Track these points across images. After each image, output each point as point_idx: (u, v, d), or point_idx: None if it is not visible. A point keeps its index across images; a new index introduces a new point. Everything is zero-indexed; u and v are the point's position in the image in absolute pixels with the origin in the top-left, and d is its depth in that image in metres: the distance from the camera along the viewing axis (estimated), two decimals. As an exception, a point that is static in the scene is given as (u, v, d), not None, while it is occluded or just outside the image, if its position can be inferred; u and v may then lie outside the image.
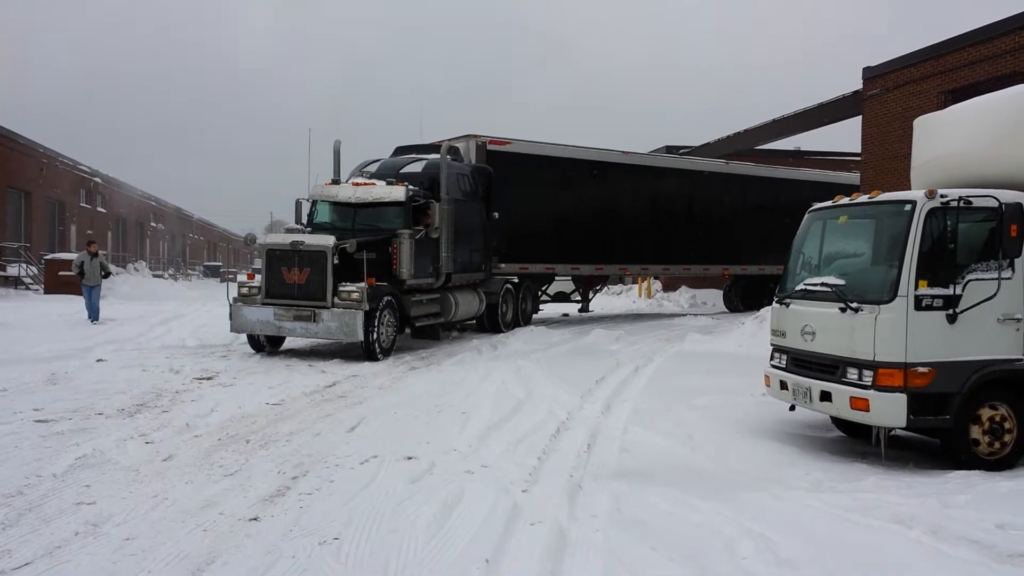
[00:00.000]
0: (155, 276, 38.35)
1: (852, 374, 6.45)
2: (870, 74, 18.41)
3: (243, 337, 13.69)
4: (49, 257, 28.10)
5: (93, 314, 17.23)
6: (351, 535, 4.75)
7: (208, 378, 10.51)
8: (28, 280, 28.40)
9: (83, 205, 39.01)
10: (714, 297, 26.82)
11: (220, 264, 65.54)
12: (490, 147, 17.12)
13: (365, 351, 12.49)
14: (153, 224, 53.57)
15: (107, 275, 18.09)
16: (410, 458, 6.51)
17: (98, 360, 11.80)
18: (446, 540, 4.70)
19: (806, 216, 7.77)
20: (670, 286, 31.68)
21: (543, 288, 20.02)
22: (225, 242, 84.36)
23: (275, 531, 4.81)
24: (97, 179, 40.81)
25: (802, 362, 7.12)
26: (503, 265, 17.32)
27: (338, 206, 14.24)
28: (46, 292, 26.05)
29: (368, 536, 4.74)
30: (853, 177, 21.60)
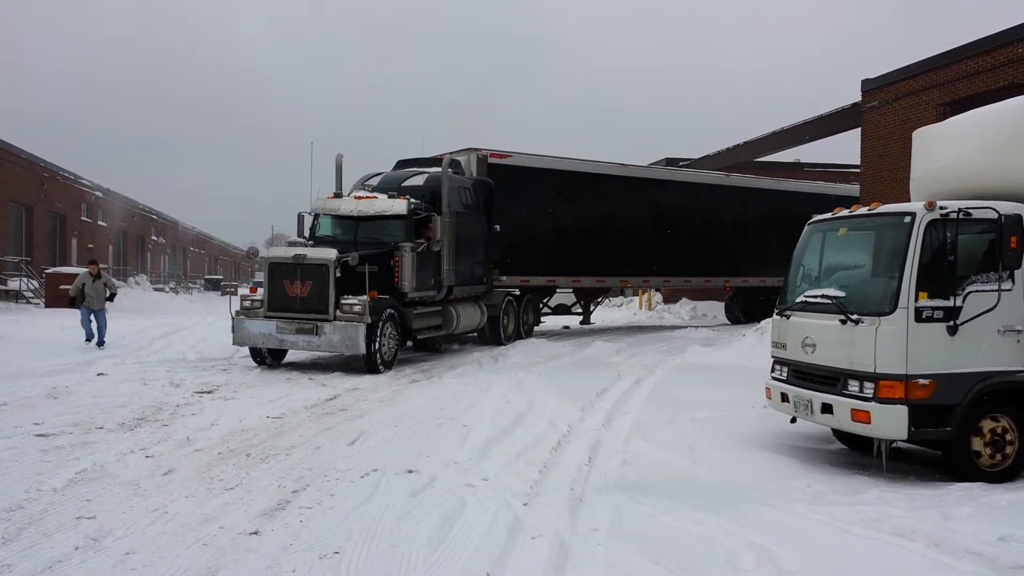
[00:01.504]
0: (156, 290, 38.42)
1: (853, 386, 6.44)
2: (868, 86, 18.48)
3: (244, 350, 13.70)
4: (50, 271, 28.11)
5: (99, 336, 15.67)
6: (351, 549, 4.74)
7: (209, 392, 10.50)
8: (29, 294, 28.42)
9: (84, 219, 39.10)
10: (715, 309, 26.81)
11: (221, 277, 65.58)
12: (491, 160, 17.18)
13: (367, 364, 12.49)
14: (154, 238, 53.66)
15: (111, 297, 16.32)
16: (411, 471, 6.50)
17: (99, 374, 11.80)
18: (447, 554, 4.68)
19: (806, 228, 7.78)
20: (671, 298, 31.67)
21: (544, 300, 20.04)
22: (226, 255, 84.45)
23: (275, 545, 4.80)
24: (98, 193, 40.93)
25: (803, 374, 7.11)
26: (504, 278, 17.34)
27: (340, 219, 14.29)
28: (47, 306, 26.04)
29: (368, 550, 4.73)
30: (853, 189, 21.64)
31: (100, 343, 15.63)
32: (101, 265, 16.89)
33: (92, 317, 15.66)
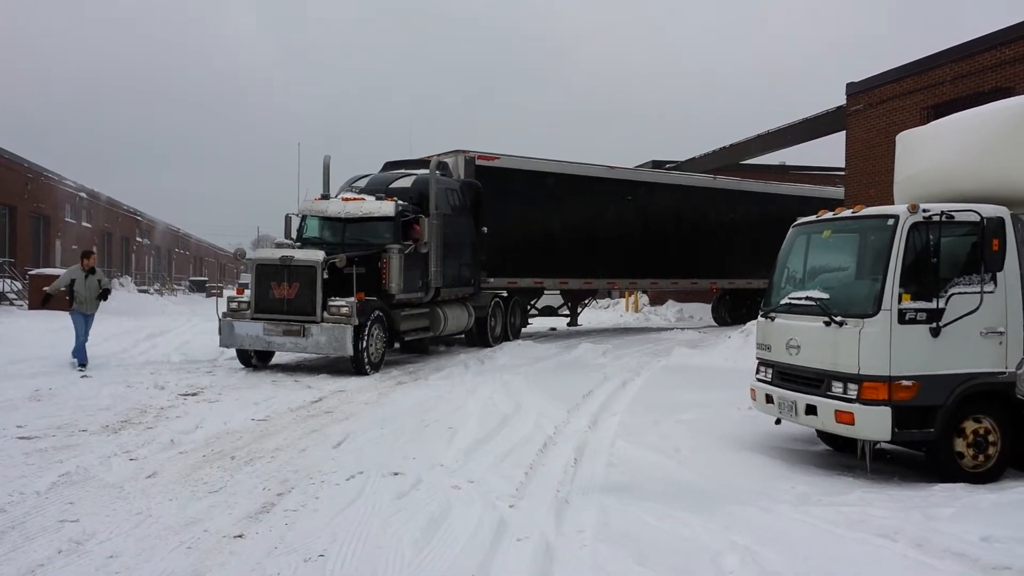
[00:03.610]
0: (140, 291, 38.13)
1: (837, 387, 6.48)
2: (853, 90, 18.61)
3: (229, 352, 13.64)
4: (34, 272, 27.83)
5: (81, 355, 12.88)
6: (336, 552, 4.72)
7: (193, 394, 10.44)
8: (12, 296, 28.16)
9: (68, 220, 38.79)
10: (701, 311, 26.91)
11: (206, 279, 65.23)
12: (479, 162, 17.19)
13: (354, 365, 12.47)
14: (139, 239, 53.31)
15: (105, 296, 13.53)
16: (396, 474, 6.49)
17: (82, 376, 11.71)
18: (432, 556, 4.68)
19: (790, 230, 7.83)
20: (657, 300, 31.76)
21: (532, 302, 20.06)
22: (212, 257, 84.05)
23: (260, 548, 4.78)
24: (82, 194, 40.62)
25: (787, 376, 7.15)
26: (492, 279, 17.35)
27: (328, 221, 14.26)
28: (30, 308, 25.79)
29: (354, 553, 4.72)
30: (837, 192, 21.79)
31: (81, 359, 12.89)
32: (101, 268, 14.64)
33: (85, 323, 13.11)
